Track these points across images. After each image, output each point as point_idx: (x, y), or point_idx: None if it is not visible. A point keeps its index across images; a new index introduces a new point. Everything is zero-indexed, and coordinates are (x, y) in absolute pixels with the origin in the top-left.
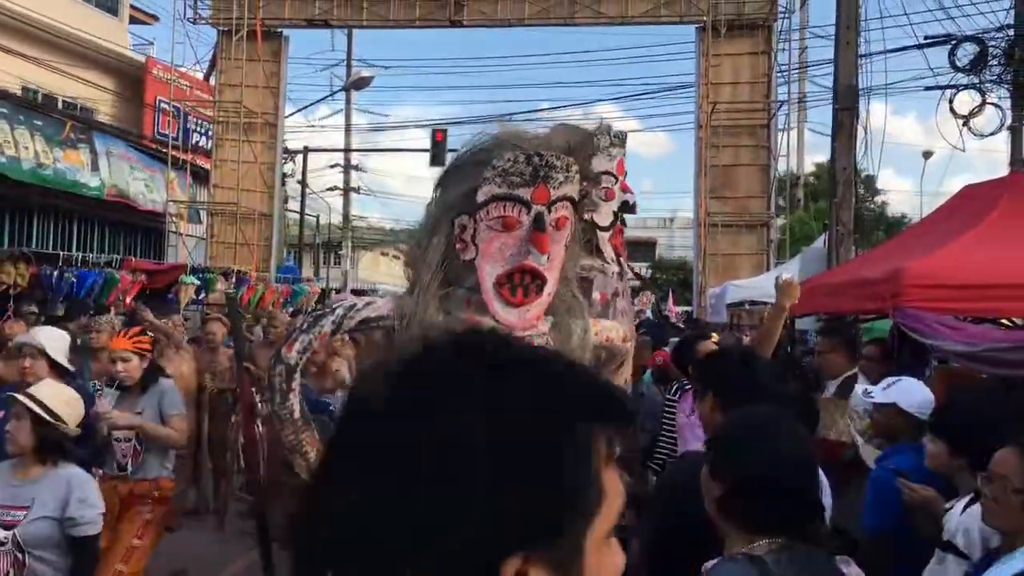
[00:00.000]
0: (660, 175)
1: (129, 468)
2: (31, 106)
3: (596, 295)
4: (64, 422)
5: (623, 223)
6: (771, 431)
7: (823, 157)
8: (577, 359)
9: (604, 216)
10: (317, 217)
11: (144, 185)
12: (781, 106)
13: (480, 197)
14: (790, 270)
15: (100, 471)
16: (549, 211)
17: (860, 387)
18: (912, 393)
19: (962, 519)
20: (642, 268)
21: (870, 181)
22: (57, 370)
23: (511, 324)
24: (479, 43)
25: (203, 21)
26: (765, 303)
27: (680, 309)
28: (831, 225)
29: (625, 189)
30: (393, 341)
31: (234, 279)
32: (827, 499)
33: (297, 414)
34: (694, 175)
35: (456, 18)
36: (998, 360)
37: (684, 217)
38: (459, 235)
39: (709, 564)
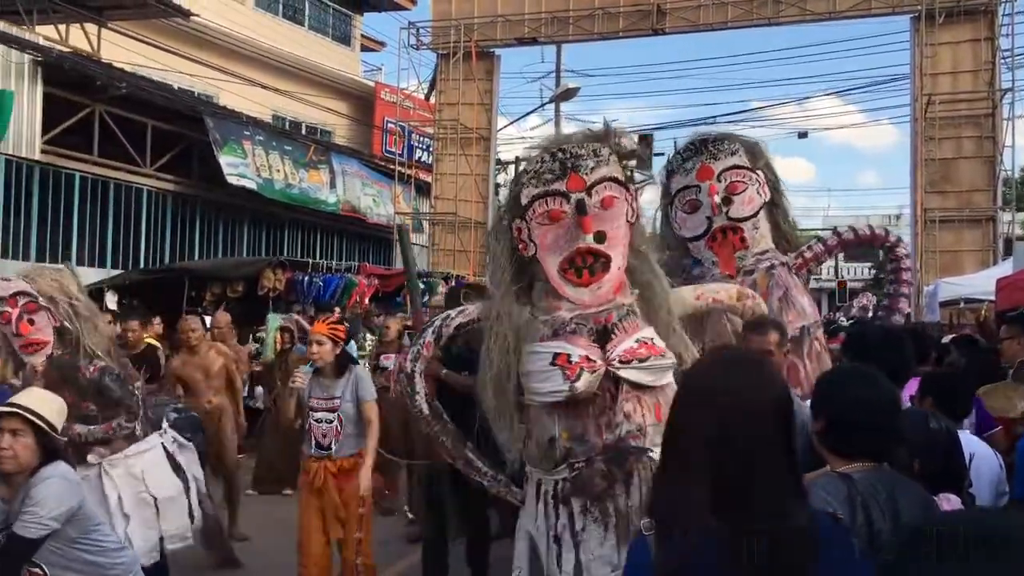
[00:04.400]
0: (885, 170)
1: (333, 446)
2: (281, 132)
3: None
4: (57, 432)
5: (735, 220)
6: (855, 381)
7: None
8: (665, 322)
9: (693, 226)
10: None
11: (372, 200)
12: (1005, 94)
13: (523, 200)
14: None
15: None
16: (589, 195)
17: None
18: None
19: None
20: (864, 269)
21: None
22: None
23: (585, 303)
24: (682, 47)
25: (425, 47)
26: (982, 300)
27: None
28: None
29: (712, 193)
30: (484, 338)
31: (453, 283)
32: (993, 468)
33: (426, 411)
34: (910, 169)
35: (659, 26)
36: None
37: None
38: (518, 237)
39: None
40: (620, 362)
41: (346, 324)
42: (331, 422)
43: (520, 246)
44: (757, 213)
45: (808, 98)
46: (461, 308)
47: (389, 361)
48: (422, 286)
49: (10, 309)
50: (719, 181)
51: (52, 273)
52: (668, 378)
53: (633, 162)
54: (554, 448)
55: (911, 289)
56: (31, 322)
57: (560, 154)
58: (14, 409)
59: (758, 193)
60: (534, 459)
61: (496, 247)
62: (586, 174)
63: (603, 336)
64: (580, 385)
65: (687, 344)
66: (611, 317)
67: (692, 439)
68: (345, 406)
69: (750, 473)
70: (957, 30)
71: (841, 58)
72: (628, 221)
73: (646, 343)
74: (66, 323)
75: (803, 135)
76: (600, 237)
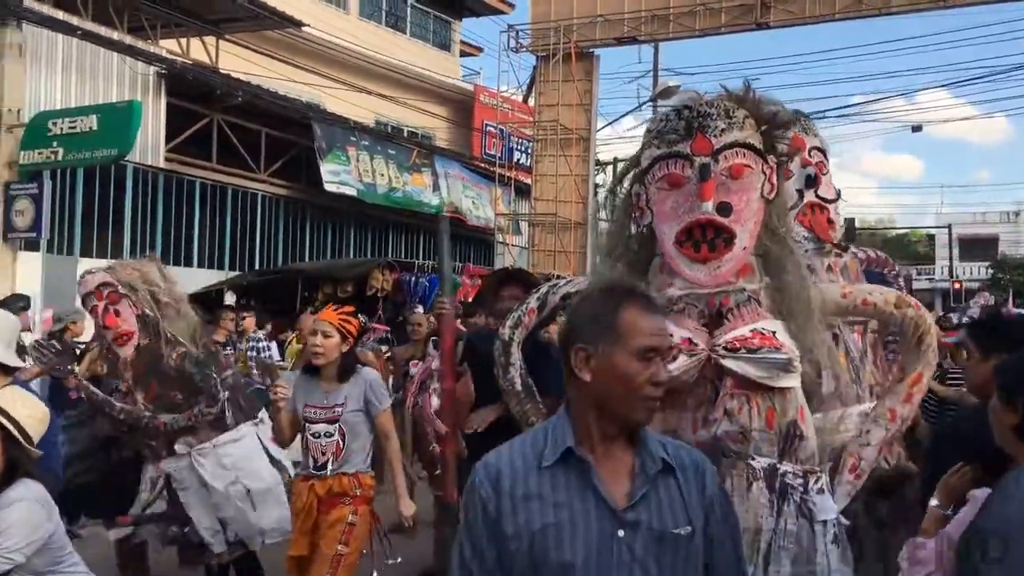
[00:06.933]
0: (1001, 165)
1: (330, 466)
2: (385, 137)
3: None
4: (33, 443)
5: (823, 200)
6: None
7: None
8: (804, 317)
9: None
10: None
11: (472, 202)
12: None
13: (644, 162)
14: None
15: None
16: (716, 160)
17: None
18: None
19: None
20: (980, 268)
21: None
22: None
23: (700, 281)
24: (783, 41)
25: (524, 50)
26: None
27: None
28: None
29: (806, 163)
30: None
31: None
32: None
33: (519, 386)
34: None
35: (762, 20)
36: None
37: None
38: (636, 203)
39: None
40: (726, 349)
41: (362, 319)
42: (331, 436)
43: (637, 213)
44: (835, 201)
45: (918, 91)
46: (571, 279)
47: (416, 368)
48: None
49: (97, 302)
50: (810, 155)
51: (134, 264)
52: (788, 380)
53: (783, 132)
54: None
55: None
56: (116, 313)
57: (687, 112)
58: None
59: (832, 183)
60: None
61: (614, 212)
62: (714, 136)
63: (716, 321)
64: (672, 368)
65: (829, 348)
66: (727, 301)
67: None
68: (348, 415)
69: None
70: None
71: (951, 49)
72: (763, 197)
73: (762, 333)
74: (146, 310)
75: (917, 128)
76: (725, 209)
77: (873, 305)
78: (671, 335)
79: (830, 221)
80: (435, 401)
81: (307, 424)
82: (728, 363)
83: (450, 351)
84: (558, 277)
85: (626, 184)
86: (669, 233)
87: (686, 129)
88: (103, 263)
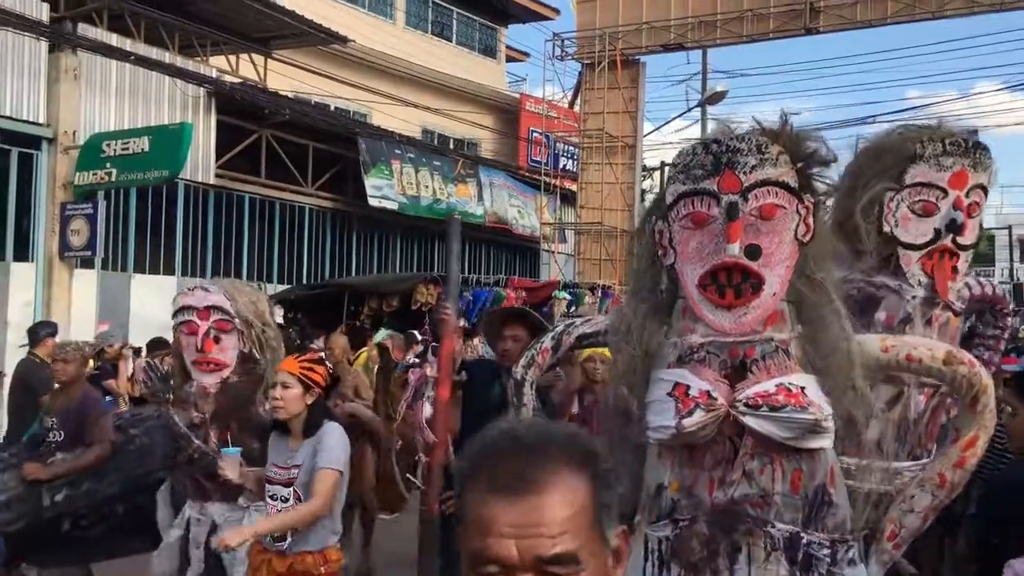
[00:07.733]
0: None
1: (288, 537)
2: (432, 149)
3: (881, 315)
4: None
5: (958, 246)
6: None
7: None
8: (841, 373)
9: (916, 232)
10: None
11: (517, 211)
12: None
13: (668, 198)
14: None
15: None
16: (745, 199)
17: None
18: None
19: None
20: None
21: None
22: None
23: (723, 328)
24: (835, 42)
25: (569, 58)
26: None
27: None
28: None
29: (959, 205)
30: (616, 353)
31: (600, 293)
32: None
33: None
34: None
35: (812, 25)
36: None
37: None
38: (658, 241)
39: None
40: (747, 406)
41: (328, 366)
42: (287, 501)
43: (660, 251)
44: (975, 245)
45: (975, 94)
46: (588, 318)
47: (414, 376)
48: (568, 296)
49: (199, 322)
50: (967, 196)
51: (251, 293)
52: (817, 441)
53: (821, 170)
54: (661, 498)
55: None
56: (217, 340)
57: (715, 147)
58: None
59: (978, 227)
60: (644, 507)
61: (637, 250)
62: (744, 173)
63: (739, 373)
64: (688, 423)
65: (869, 404)
66: (752, 351)
67: None
68: (304, 478)
69: None
70: None
71: (1010, 51)
72: (797, 239)
73: (788, 389)
74: (255, 352)
75: (973, 133)
76: (753, 252)
77: (918, 361)
78: (542, 538)
79: (955, 270)
80: (427, 409)
81: (268, 485)
82: (748, 421)
83: (447, 358)
84: (604, 286)
85: (651, 221)
86: (692, 275)
87: (713, 164)
88: (155, 279)
